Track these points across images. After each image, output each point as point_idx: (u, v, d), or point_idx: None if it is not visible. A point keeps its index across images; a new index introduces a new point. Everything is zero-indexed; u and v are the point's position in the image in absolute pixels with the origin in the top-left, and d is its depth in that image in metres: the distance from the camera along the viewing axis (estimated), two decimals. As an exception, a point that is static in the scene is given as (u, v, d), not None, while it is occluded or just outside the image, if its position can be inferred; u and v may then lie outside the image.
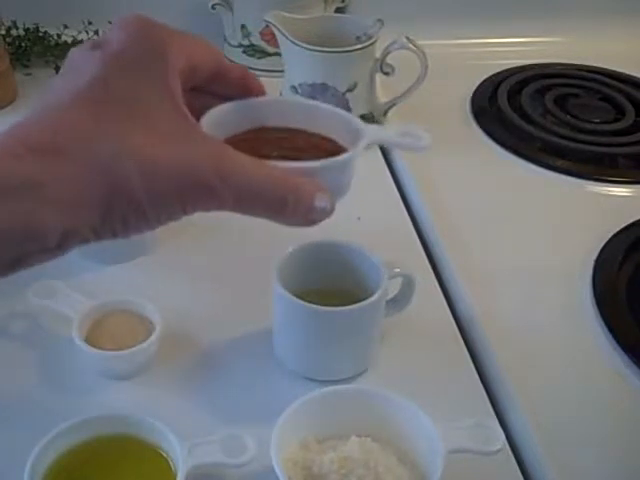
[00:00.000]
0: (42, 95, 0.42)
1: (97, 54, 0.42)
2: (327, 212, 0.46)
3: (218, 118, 0.48)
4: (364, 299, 0.60)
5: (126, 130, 0.40)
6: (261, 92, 0.51)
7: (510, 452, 0.59)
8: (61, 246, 0.39)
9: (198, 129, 0.44)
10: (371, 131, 0.52)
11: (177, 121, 0.42)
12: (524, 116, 0.96)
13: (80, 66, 0.42)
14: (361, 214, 0.74)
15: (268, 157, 0.48)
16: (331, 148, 0.54)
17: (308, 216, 0.45)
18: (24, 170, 0.38)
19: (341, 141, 0.52)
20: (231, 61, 1.02)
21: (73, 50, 0.44)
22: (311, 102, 0.54)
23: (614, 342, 0.67)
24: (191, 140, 0.42)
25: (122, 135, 0.40)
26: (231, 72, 0.50)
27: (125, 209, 0.40)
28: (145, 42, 0.43)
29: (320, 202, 0.45)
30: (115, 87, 0.41)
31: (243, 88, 0.50)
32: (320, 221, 0.46)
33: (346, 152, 0.50)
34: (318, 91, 0.85)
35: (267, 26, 0.86)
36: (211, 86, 0.49)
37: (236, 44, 1.03)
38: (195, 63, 0.46)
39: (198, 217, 0.43)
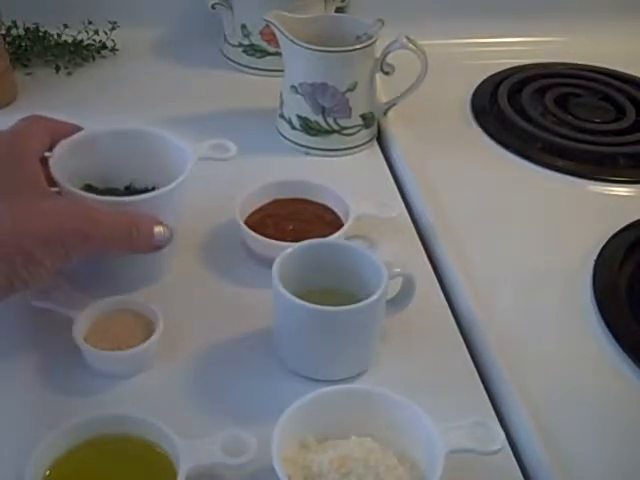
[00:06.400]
0: None
1: None
2: (167, 237, 0.62)
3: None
4: (364, 299, 0.60)
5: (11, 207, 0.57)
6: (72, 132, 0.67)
7: (510, 452, 0.59)
8: None
9: (59, 197, 0.63)
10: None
11: (44, 195, 0.60)
12: (524, 116, 0.96)
13: None
14: (361, 214, 0.74)
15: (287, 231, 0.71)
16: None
17: (151, 242, 0.62)
18: None
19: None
20: (231, 60, 1.04)
21: None
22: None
23: (614, 342, 0.67)
24: (59, 203, 0.60)
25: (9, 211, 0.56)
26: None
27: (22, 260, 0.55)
28: (6, 149, 0.61)
29: (158, 229, 0.62)
30: None
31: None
32: (164, 245, 0.62)
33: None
34: (318, 91, 0.86)
35: (267, 26, 0.86)
36: None
37: (236, 44, 1.03)
38: (55, 140, 0.65)
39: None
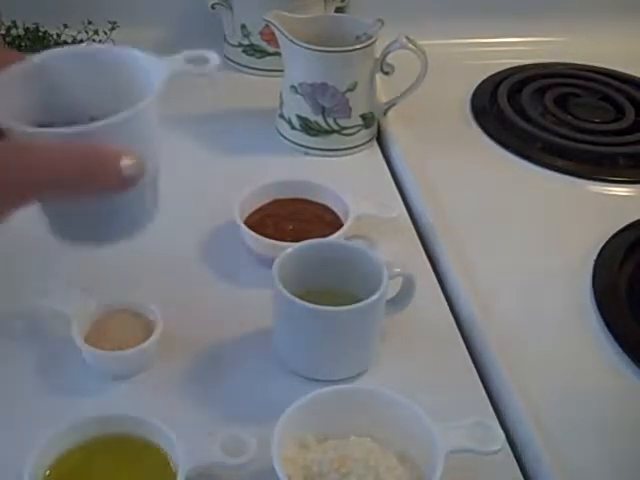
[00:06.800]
0: None
1: None
2: (138, 168, 0.48)
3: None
4: (364, 299, 0.60)
5: None
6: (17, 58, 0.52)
7: (510, 452, 0.59)
8: None
9: None
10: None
11: None
12: (524, 116, 0.96)
13: None
14: (361, 214, 0.74)
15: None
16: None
17: (121, 178, 0.47)
18: None
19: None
20: (231, 60, 1.04)
21: None
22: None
23: (614, 342, 0.67)
24: None
25: None
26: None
27: None
28: None
29: (126, 160, 0.47)
30: None
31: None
32: (137, 179, 0.47)
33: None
34: (318, 91, 0.86)
35: (267, 26, 0.86)
36: None
37: (236, 44, 1.03)
38: None
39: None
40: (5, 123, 0.48)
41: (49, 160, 0.46)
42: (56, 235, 0.52)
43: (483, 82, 1.03)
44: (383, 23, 0.85)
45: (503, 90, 1.00)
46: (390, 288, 0.63)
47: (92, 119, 0.52)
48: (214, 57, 0.57)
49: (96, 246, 0.53)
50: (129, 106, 0.50)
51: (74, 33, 1.01)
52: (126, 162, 0.47)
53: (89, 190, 0.47)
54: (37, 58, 0.52)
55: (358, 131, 0.89)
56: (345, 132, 0.88)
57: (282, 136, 0.90)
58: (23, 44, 1.00)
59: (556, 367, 0.66)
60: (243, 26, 1.01)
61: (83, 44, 0.55)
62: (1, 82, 0.50)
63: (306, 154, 0.89)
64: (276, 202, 0.76)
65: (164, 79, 0.54)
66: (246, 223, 0.73)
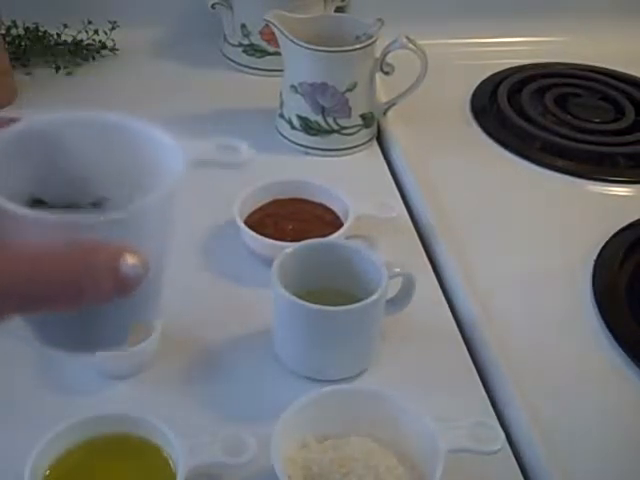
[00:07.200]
0: None
1: None
2: (139, 272, 0.37)
3: None
4: (364, 299, 0.60)
5: None
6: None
7: (510, 452, 0.59)
8: None
9: None
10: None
11: None
12: (524, 116, 0.96)
13: None
14: (360, 214, 0.74)
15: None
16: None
17: (119, 288, 0.37)
18: None
19: None
20: (231, 60, 1.04)
21: None
22: None
23: (614, 342, 0.67)
24: None
25: None
26: None
27: None
28: None
29: (128, 261, 0.36)
30: None
31: None
32: (135, 285, 0.37)
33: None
34: (318, 91, 0.86)
35: (267, 25, 0.86)
36: None
37: (236, 43, 1.03)
38: None
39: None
40: None
41: (28, 268, 0.35)
42: (35, 339, 0.43)
43: (483, 82, 1.03)
44: (383, 23, 0.85)
45: (503, 90, 1.00)
46: (390, 288, 0.63)
47: (94, 204, 0.45)
48: (244, 148, 0.51)
49: (84, 353, 0.47)
50: (139, 192, 0.41)
51: (74, 33, 1.01)
52: (127, 264, 0.37)
53: (76, 304, 0.37)
54: (37, 122, 0.43)
55: (358, 131, 0.89)
56: (345, 132, 0.88)
57: (282, 136, 0.90)
58: (23, 44, 1.00)
59: (556, 367, 0.66)
60: (243, 26, 1.01)
61: (89, 113, 0.43)
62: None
63: (306, 154, 0.89)
64: (276, 202, 0.76)
65: (186, 166, 0.42)
66: (246, 223, 0.73)
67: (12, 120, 0.42)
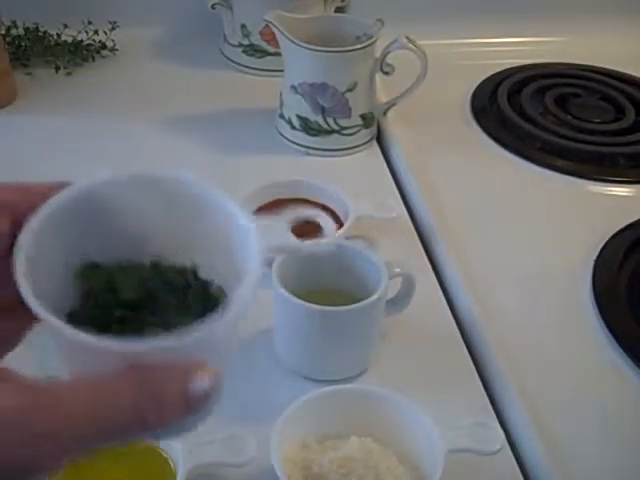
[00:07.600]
0: None
1: None
2: (210, 388, 0.34)
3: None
4: (364, 299, 0.60)
5: None
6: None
7: (510, 452, 0.59)
8: None
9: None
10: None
11: None
12: (524, 116, 0.96)
13: None
14: (361, 214, 0.74)
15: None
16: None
17: (188, 411, 0.34)
18: None
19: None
20: (231, 60, 1.04)
21: None
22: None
23: (614, 342, 0.67)
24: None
25: None
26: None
27: None
28: None
29: (198, 380, 0.33)
30: None
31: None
32: (205, 405, 0.35)
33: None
34: (318, 91, 0.86)
35: (267, 26, 0.86)
36: None
37: (236, 44, 1.03)
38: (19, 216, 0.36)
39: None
40: (39, 312, 0.35)
41: (86, 413, 0.32)
42: None
43: (483, 82, 1.03)
44: (383, 23, 0.85)
45: (503, 90, 1.00)
46: (390, 288, 0.63)
47: (153, 263, 0.40)
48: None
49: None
50: (201, 252, 0.38)
51: (74, 33, 1.01)
52: (197, 385, 0.33)
53: (138, 435, 0.34)
54: (82, 187, 0.38)
55: (358, 131, 0.89)
56: (345, 132, 0.88)
57: (282, 136, 0.90)
58: (23, 44, 1.00)
59: (556, 367, 0.66)
60: (243, 26, 1.01)
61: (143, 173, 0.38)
62: (33, 228, 0.36)
63: (306, 154, 0.89)
64: (276, 202, 0.76)
65: (260, 251, 0.37)
66: None
67: (62, 185, 0.37)
